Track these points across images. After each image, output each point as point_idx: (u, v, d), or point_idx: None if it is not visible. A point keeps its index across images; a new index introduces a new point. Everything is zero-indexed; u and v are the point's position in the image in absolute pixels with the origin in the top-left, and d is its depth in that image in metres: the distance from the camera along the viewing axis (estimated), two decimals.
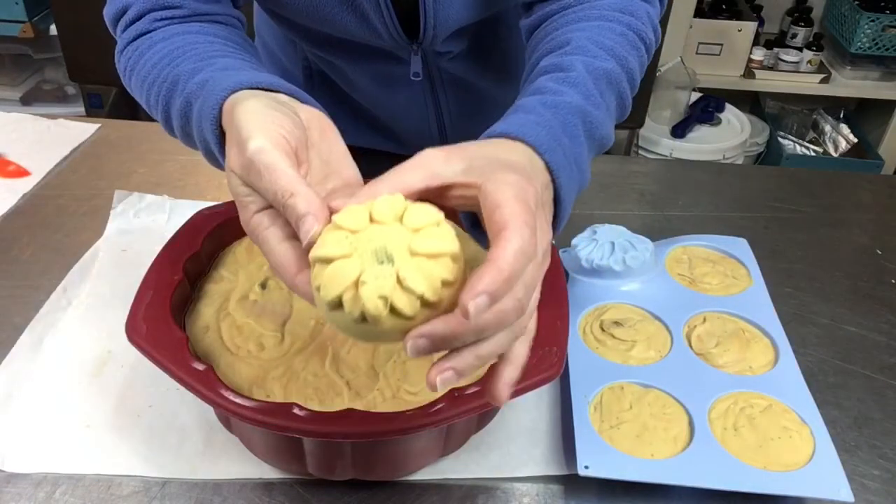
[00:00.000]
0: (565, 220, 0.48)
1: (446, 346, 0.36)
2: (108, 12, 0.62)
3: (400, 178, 0.40)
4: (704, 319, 0.66)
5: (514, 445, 0.57)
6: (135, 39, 0.60)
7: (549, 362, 0.49)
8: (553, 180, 0.46)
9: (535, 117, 0.48)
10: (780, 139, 2.22)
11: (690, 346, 0.64)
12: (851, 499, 0.51)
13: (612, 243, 0.70)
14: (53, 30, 1.87)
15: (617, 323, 0.65)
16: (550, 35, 0.60)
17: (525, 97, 0.52)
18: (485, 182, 0.39)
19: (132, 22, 0.60)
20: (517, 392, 0.47)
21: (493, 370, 0.39)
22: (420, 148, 0.42)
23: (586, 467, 0.53)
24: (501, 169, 0.41)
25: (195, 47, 0.56)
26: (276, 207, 0.41)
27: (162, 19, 0.59)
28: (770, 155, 2.23)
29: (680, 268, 0.72)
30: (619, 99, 0.57)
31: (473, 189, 0.40)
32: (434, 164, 0.41)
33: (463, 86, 0.82)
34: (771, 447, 0.55)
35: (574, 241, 0.71)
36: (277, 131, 0.43)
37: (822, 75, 2.14)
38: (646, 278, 0.70)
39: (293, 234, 0.40)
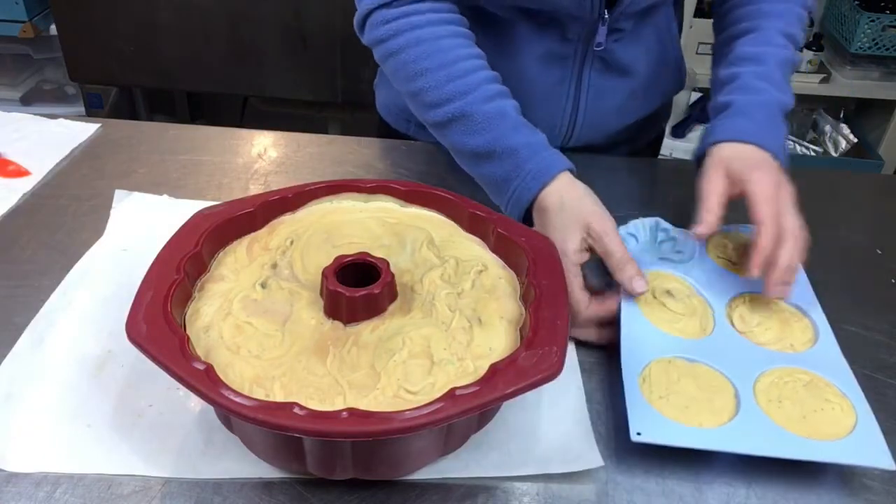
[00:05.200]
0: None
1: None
2: None
3: (714, 185, 0.68)
4: (745, 300, 0.68)
5: (514, 445, 0.57)
6: (401, 18, 0.75)
7: (548, 362, 0.49)
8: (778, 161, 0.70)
9: (755, 124, 0.72)
10: None
11: (733, 325, 0.66)
12: (893, 467, 0.53)
13: (657, 242, 0.71)
14: (53, 30, 1.87)
15: (668, 293, 0.67)
16: (740, 13, 0.81)
17: (738, 95, 0.74)
18: (744, 185, 0.67)
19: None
20: (517, 392, 0.47)
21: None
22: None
23: (639, 434, 0.54)
24: (750, 170, 0.67)
25: (469, 69, 0.74)
26: (615, 262, 0.65)
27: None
28: None
29: (720, 251, 0.74)
30: (792, 70, 0.79)
31: (739, 190, 0.68)
32: (715, 187, 0.68)
33: (613, 70, 0.86)
34: (814, 418, 0.57)
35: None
36: (609, 218, 0.67)
37: (822, 75, 2.14)
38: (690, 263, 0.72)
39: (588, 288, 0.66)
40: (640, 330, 0.63)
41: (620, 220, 0.72)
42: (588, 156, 0.88)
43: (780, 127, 0.73)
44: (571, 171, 0.71)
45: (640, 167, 0.99)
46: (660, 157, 1.97)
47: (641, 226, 0.72)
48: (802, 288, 0.70)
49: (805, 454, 0.54)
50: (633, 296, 0.65)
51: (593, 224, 0.65)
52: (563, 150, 0.75)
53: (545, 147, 0.72)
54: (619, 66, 0.86)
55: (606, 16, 0.79)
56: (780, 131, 0.73)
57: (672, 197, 0.89)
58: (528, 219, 0.71)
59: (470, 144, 0.74)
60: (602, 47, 0.82)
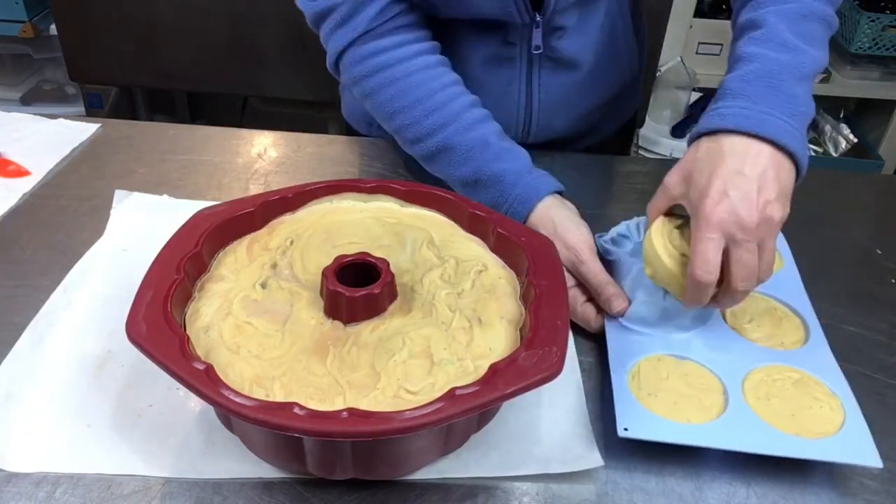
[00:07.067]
0: (805, 158, 0.58)
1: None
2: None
3: (655, 205, 0.63)
4: None
5: (514, 445, 0.57)
6: (371, 57, 0.76)
7: (548, 362, 0.49)
8: (780, 146, 0.56)
9: (744, 101, 0.58)
10: None
11: (724, 321, 0.66)
12: (880, 465, 0.53)
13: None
14: (53, 30, 1.87)
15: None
16: None
17: (729, 73, 0.62)
18: (695, 208, 0.57)
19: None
20: (517, 392, 0.47)
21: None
22: None
23: (625, 429, 0.54)
24: (708, 187, 0.56)
25: (445, 101, 0.75)
26: (592, 287, 0.65)
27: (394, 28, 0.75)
28: None
29: None
30: (823, 23, 0.63)
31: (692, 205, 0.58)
32: (669, 189, 0.61)
33: (562, 66, 0.85)
34: (802, 416, 0.57)
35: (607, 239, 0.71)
36: (589, 239, 0.67)
37: (822, 75, 2.14)
38: None
39: (589, 300, 0.66)
40: (628, 329, 0.64)
41: (596, 219, 0.72)
42: (548, 153, 0.87)
43: (772, 89, 0.58)
44: (561, 192, 0.71)
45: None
46: (659, 157, 1.98)
47: (635, 226, 0.71)
48: (794, 287, 0.70)
49: (793, 451, 0.54)
50: (613, 315, 0.64)
51: (580, 253, 0.66)
52: (524, 146, 0.75)
53: (529, 171, 0.72)
54: (567, 61, 0.85)
55: (539, 19, 0.78)
56: (771, 95, 0.58)
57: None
58: None
59: (456, 175, 0.75)
60: (540, 50, 0.81)
